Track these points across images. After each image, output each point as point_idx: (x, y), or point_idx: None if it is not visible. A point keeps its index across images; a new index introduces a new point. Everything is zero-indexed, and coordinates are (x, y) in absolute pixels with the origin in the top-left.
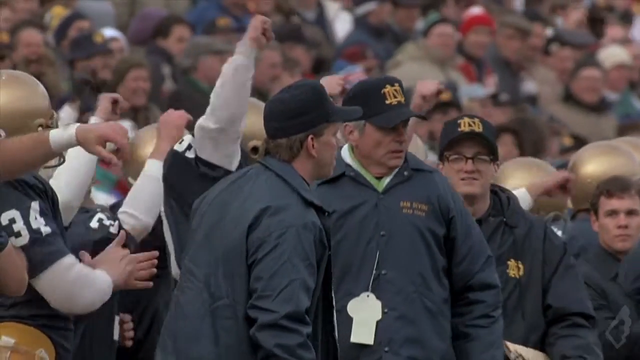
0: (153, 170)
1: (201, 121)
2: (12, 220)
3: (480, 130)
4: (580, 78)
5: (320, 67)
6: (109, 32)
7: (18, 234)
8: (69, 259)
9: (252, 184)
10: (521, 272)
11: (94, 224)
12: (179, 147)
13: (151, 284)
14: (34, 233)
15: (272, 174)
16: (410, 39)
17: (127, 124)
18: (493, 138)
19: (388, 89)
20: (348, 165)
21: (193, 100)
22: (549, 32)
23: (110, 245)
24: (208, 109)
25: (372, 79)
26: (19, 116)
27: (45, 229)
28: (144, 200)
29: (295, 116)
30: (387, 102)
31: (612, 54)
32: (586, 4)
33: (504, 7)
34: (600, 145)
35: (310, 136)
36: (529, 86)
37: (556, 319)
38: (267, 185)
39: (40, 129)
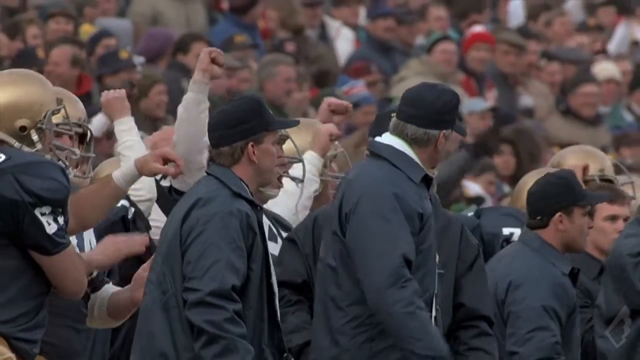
0: None
1: None
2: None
3: None
4: (578, 94)
5: (324, 82)
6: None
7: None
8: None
9: (192, 190)
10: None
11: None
12: (157, 176)
13: (143, 249)
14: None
15: (210, 177)
16: (411, 55)
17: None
18: None
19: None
20: (423, 169)
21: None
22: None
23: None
24: (172, 144)
25: (449, 91)
26: (6, 113)
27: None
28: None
29: (236, 125)
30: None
31: (603, 68)
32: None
33: (500, 24)
34: (580, 147)
35: (251, 143)
36: (526, 100)
37: (464, 320)
38: (203, 185)
39: (33, 132)
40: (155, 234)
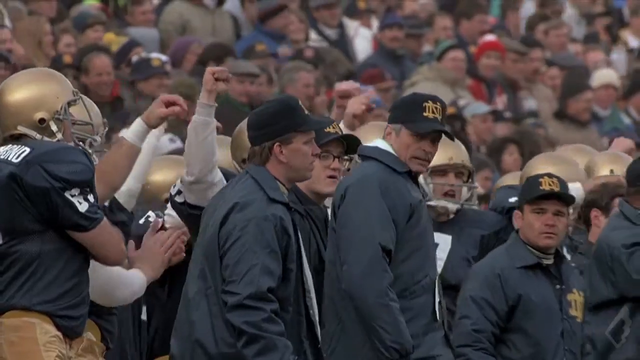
0: None
1: (182, 176)
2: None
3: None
4: (580, 100)
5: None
6: (164, 57)
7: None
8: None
9: (231, 189)
10: None
11: (142, 220)
12: (172, 190)
13: (184, 254)
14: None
15: (248, 176)
16: (419, 62)
17: (166, 136)
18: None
19: (429, 104)
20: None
21: (229, 114)
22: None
23: (147, 235)
24: (185, 165)
25: (421, 93)
26: (26, 107)
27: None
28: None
29: (264, 126)
30: (425, 114)
31: (602, 75)
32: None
33: (505, 31)
34: (549, 155)
35: (277, 143)
36: (530, 103)
37: None
38: (240, 187)
39: (52, 123)
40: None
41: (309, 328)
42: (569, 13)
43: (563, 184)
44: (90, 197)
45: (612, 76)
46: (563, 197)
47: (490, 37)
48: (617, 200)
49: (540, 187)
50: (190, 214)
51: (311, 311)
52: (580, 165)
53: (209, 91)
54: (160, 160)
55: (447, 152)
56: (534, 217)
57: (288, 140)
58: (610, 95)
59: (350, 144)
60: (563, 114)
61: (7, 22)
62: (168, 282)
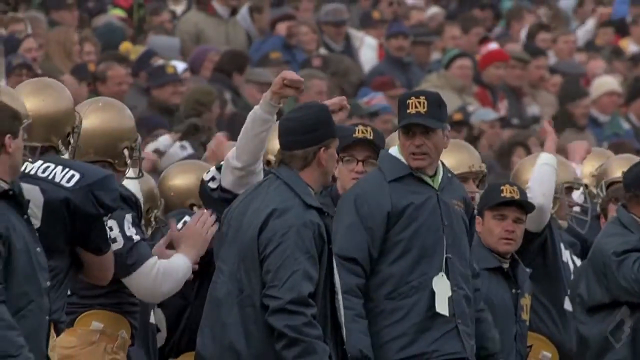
0: None
1: (229, 156)
2: (110, 228)
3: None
4: (579, 106)
5: (353, 93)
6: (178, 64)
7: (114, 240)
8: (153, 259)
9: (264, 193)
10: None
11: (179, 225)
12: (205, 176)
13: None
14: (127, 240)
15: (281, 182)
16: (427, 70)
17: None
18: None
19: (412, 100)
20: (409, 166)
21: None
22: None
23: (192, 219)
24: (234, 149)
25: (408, 92)
26: (111, 136)
27: (136, 237)
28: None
29: (310, 131)
30: (408, 111)
31: (604, 82)
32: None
33: (509, 38)
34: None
35: (322, 148)
36: (533, 109)
37: None
38: (275, 192)
39: (125, 151)
40: None
41: (335, 329)
42: (575, 24)
43: (522, 192)
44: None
45: (613, 83)
46: (523, 205)
47: (493, 46)
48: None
49: (502, 195)
50: (220, 198)
51: (338, 313)
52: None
53: (275, 92)
54: (179, 165)
55: (467, 160)
56: (495, 223)
57: (328, 145)
58: (614, 101)
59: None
60: (562, 119)
61: (29, 30)
62: (198, 280)
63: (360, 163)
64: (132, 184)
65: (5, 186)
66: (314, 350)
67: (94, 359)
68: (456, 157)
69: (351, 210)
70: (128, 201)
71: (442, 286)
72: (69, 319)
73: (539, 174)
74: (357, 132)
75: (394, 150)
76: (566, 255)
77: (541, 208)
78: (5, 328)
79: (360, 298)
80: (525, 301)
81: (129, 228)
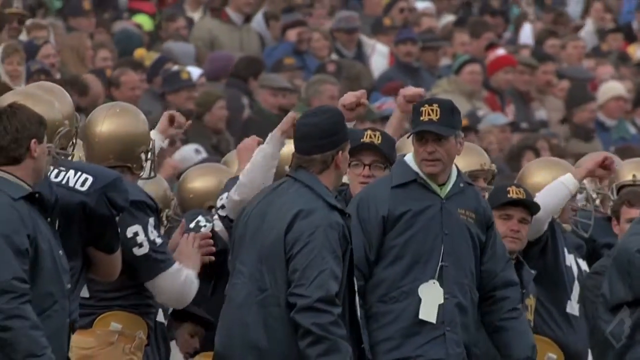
0: None
1: (231, 193)
2: (136, 234)
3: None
4: (586, 110)
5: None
6: (193, 69)
7: (140, 245)
8: (177, 265)
9: (285, 195)
10: None
11: (192, 224)
12: (217, 203)
13: (213, 258)
14: (152, 244)
15: (300, 184)
16: (436, 76)
17: (192, 147)
18: None
19: (425, 107)
20: (416, 173)
21: (261, 125)
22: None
23: (190, 237)
24: (237, 184)
25: (421, 100)
26: (130, 142)
27: (159, 240)
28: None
29: (328, 136)
30: (421, 118)
31: (611, 87)
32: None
33: (517, 46)
34: (544, 159)
35: (340, 151)
36: (541, 113)
37: None
38: (297, 194)
39: (142, 155)
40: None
41: (354, 329)
42: (585, 30)
43: (528, 193)
44: None
45: (620, 88)
46: (529, 205)
47: (501, 52)
48: None
49: (508, 195)
50: (232, 226)
51: (357, 313)
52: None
53: (284, 131)
54: (199, 168)
55: (478, 159)
56: (500, 222)
57: (344, 149)
58: (621, 106)
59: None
60: (569, 123)
61: (52, 39)
62: (214, 279)
63: (366, 167)
64: (141, 184)
65: (30, 189)
66: (337, 349)
67: (112, 359)
68: (467, 157)
69: (353, 213)
70: (150, 206)
71: (432, 293)
72: (88, 320)
73: (550, 191)
74: (365, 136)
75: (409, 157)
76: (570, 259)
77: (537, 219)
78: (30, 328)
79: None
80: (530, 302)
81: (152, 232)
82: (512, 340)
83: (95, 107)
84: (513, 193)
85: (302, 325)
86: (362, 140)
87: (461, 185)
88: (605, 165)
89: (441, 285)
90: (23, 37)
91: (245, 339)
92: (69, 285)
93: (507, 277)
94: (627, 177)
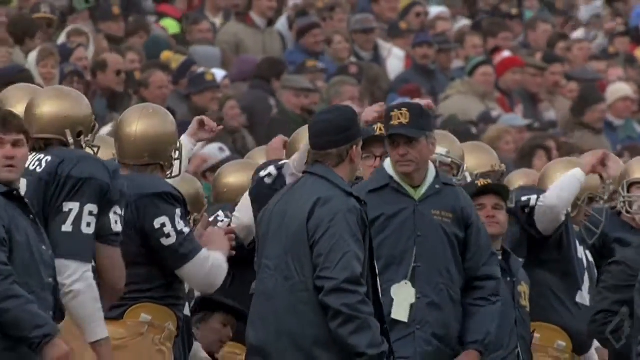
0: None
1: (290, 163)
2: (163, 225)
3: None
4: (596, 110)
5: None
6: (217, 71)
7: (168, 235)
8: (205, 252)
9: (303, 188)
10: None
11: (211, 218)
12: (262, 173)
13: (233, 252)
14: (179, 234)
15: (317, 177)
16: (449, 77)
17: (215, 145)
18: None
19: (395, 112)
20: (391, 177)
21: (284, 124)
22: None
23: (199, 228)
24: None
25: (392, 105)
26: (163, 141)
27: (186, 230)
28: (247, 203)
29: (343, 131)
30: (392, 122)
31: (618, 88)
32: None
33: (529, 49)
34: (563, 160)
35: (354, 146)
36: (550, 114)
37: None
38: (314, 185)
39: (173, 153)
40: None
41: (378, 310)
42: (593, 33)
43: (497, 182)
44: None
45: (628, 90)
46: (498, 191)
47: (506, 54)
48: None
49: (478, 186)
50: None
51: (380, 295)
52: None
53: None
54: (234, 164)
55: (489, 160)
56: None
57: (357, 143)
58: (628, 107)
59: None
60: (579, 122)
61: (91, 46)
62: (233, 270)
63: (377, 159)
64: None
65: (5, 188)
66: (368, 326)
67: (142, 349)
68: (479, 158)
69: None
70: (177, 197)
71: (404, 293)
72: (119, 311)
73: (562, 182)
74: (376, 129)
75: (387, 162)
76: (580, 251)
77: (553, 208)
78: (26, 304)
79: None
80: (523, 289)
81: (179, 222)
82: (470, 324)
83: None
84: (481, 183)
85: (332, 306)
86: (373, 133)
87: (437, 186)
88: (602, 162)
89: (413, 286)
90: (61, 39)
91: (278, 326)
92: (50, 280)
93: (488, 270)
94: (636, 174)
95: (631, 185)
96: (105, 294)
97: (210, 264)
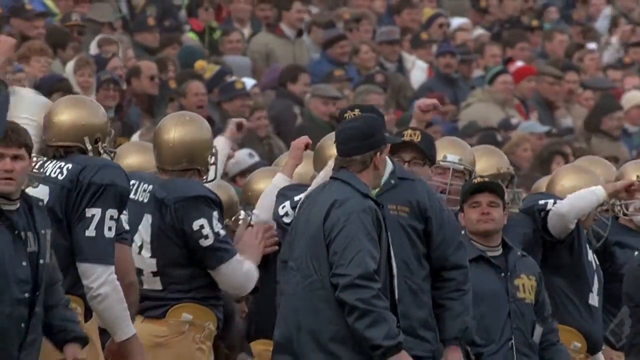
0: (279, 181)
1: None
2: (202, 226)
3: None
4: (613, 118)
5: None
6: (247, 79)
7: (206, 237)
8: (239, 255)
9: (324, 193)
10: None
11: (234, 218)
12: (280, 211)
13: (277, 247)
14: (216, 235)
15: (340, 182)
16: (470, 86)
17: (246, 151)
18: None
19: (348, 113)
20: None
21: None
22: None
23: (255, 230)
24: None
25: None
26: (200, 147)
27: (222, 232)
28: (266, 203)
29: (367, 138)
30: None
31: (633, 96)
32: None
33: (546, 59)
34: (572, 165)
35: (378, 153)
36: (567, 121)
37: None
38: (334, 189)
39: (209, 159)
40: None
41: (392, 309)
42: (611, 42)
43: (493, 180)
44: None
45: None
46: (493, 188)
47: (520, 64)
48: None
49: (474, 184)
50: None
51: (395, 292)
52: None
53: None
54: (263, 171)
55: (495, 162)
56: (471, 210)
57: (382, 150)
58: None
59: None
60: (597, 129)
61: (121, 53)
62: (262, 271)
63: (407, 163)
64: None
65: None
66: (383, 319)
67: (183, 347)
68: (486, 161)
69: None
70: (214, 201)
71: None
72: (161, 311)
73: (581, 195)
74: (405, 135)
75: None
76: (590, 254)
77: (563, 216)
78: None
79: None
80: (521, 281)
81: (216, 224)
82: (446, 319)
83: None
84: (476, 181)
85: (347, 302)
86: (402, 139)
87: (392, 181)
88: (630, 189)
89: None
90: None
91: (299, 323)
92: (26, 295)
93: (456, 260)
94: (631, 177)
95: None
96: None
97: (245, 267)
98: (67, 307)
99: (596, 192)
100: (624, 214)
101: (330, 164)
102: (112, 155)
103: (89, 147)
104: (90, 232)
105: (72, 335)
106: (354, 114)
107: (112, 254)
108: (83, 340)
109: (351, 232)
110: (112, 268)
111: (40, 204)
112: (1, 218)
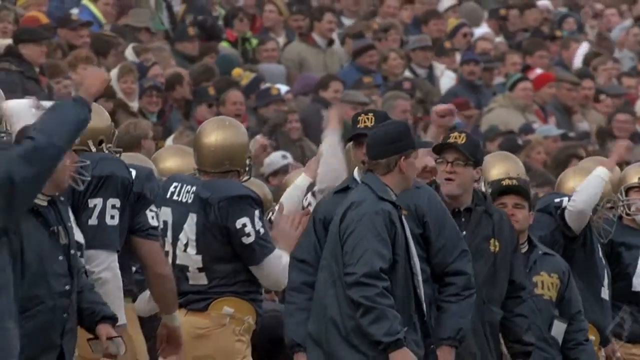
0: (301, 182)
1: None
2: (244, 225)
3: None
4: (622, 121)
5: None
6: (281, 86)
7: (248, 235)
8: (278, 251)
9: (348, 196)
10: (497, 249)
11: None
12: (304, 202)
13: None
14: (257, 233)
15: (363, 185)
16: (492, 92)
17: (279, 153)
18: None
19: (362, 117)
20: (354, 180)
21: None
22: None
23: (291, 217)
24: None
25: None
26: (240, 150)
27: (262, 230)
28: (289, 203)
29: (393, 142)
30: (358, 126)
31: None
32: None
33: (564, 66)
34: (577, 167)
35: (403, 157)
36: (584, 125)
37: (512, 291)
38: (356, 191)
39: (248, 160)
40: None
41: (417, 304)
42: (625, 52)
43: (520, 183)
44: None
45: None
46: (520, 192)
47: (539, 71)
48: None
49: (503, 185)
50: None
51: (418, 290)
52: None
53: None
54: (298, 172)
55: (506, 168)
56: None
57: (408, 155)
58: None
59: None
60: (610, 133)
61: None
62: None
63: (449, 164)
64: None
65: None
66: (385, 316)
67: (223, 339)
68: (499, 167)
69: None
70: (256, 200)
71: None
72: (204, 304)
73: (588, 184)
74: (451, 137)
75: (357, 170)
76: (600, 251)
77: (581, 212)
78: None
79: (305, 293)
80: (541, 278)
81: (257, 222)
82: (442, 320)
83: None
84: (506, 182)
85: (354, 299)
86: (431, 145)
87: None
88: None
89: None
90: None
91: (326, 317)
92: (66, 287)
93: (457, 267)
94: (633, 179)
95: (628, 189)
96: (154, 285)
97: (284, 263)
98: (92, 291)
99: (600, 174)
100: (627, 214)
101: (329, 137)
102: (118, 155)
103: (93, 149)
104: (93, 220)
105: (102, 315)
106: (367, 118)
107: (116, 241)
108: (112, 319)
109: (361, 233)
110: (116, 255)
111: (62, 198)
112: (36, 214)
